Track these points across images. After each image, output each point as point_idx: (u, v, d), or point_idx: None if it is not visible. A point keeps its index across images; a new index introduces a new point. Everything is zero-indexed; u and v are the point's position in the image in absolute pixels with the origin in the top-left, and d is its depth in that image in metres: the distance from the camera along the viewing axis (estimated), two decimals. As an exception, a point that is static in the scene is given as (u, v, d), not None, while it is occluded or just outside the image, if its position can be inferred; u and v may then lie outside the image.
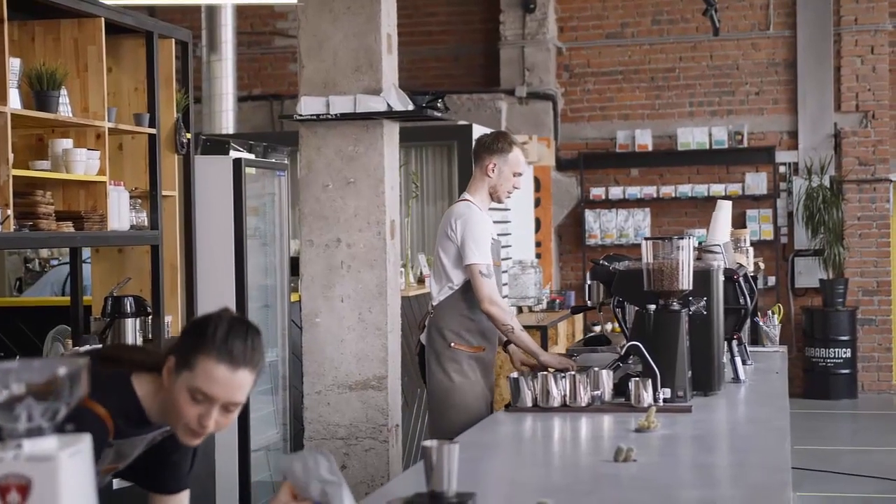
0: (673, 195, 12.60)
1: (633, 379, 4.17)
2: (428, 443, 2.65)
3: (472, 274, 4.99)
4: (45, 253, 9.30)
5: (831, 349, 12.07)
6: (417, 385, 7.60)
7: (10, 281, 9.33)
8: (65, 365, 1.84)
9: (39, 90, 4.90)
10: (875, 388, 12.44)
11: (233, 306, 6.30)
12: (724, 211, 5.62)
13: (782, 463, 3.17)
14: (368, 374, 5.48)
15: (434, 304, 5.15)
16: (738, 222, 12.16)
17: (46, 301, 7.13)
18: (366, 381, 5.49)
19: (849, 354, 12.09)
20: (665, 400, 4.18)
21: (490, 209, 5.20)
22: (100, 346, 5.47)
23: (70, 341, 5.41)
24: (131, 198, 5.59)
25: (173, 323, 5.98)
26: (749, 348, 5.75)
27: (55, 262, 8.96)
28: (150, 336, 5.67)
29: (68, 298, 5.87)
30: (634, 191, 12.71)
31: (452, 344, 5.05)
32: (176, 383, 2.56)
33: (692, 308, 4.42)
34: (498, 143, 5.17)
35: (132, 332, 5.54)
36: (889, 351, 12.50)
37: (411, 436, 7.35)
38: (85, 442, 1.82)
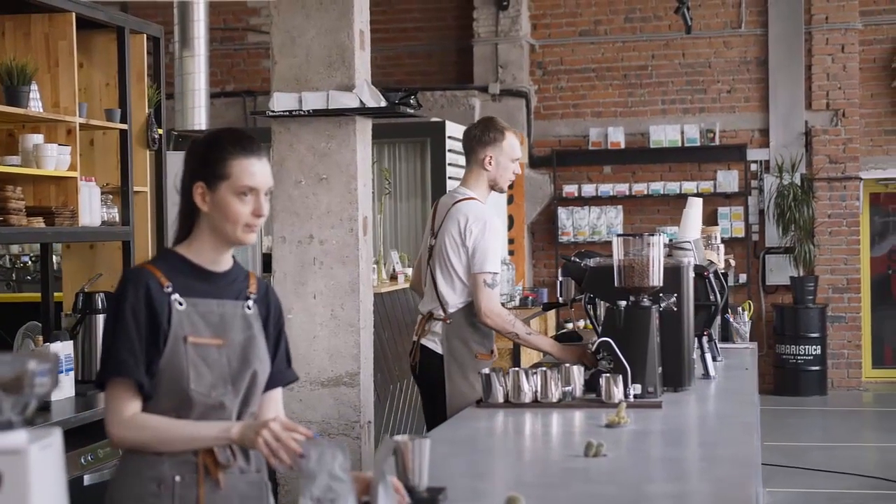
0: (645, 192, 12.65)
1: (603, 375, 4.19)
2: (400, 438, 2.67)
3: (476, 282, 4.80)
4: (15, 249, 9.25)
5: (801, 346, 12.16)
6: (390, 381, 7.61)
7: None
8: (35, 359, 1.84)
9: (9, 85, 4.88)
10: (844, 385, 12.54)
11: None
12: (695, 208, 5.66)
13: (750, 457, 3.19)
14: (341, 370, 5.48)
15: (450, 310, 4.88)
16: (710, 220, 12.23)
17: (18, 297, 7.09)
18: (338, 378, 5.50)
19: (819, 351, 12.18)
20: (636, 396, 4.20)
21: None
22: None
23: (41, 337, 5.39)
24: (103, 193, 5.57)
25: (144, 319, 5.96)
26: (720, 345, 5.79)
27: (26, 259, 8.91)
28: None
29: (39, 294, 5.84)
30: (607, 188, 12.75)
31: (478, 355, 4.90)
32: (216, 198, 2.85)
33: (663, 304, 4.44)
34: (489, 133, 4.95)
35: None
36: (858, 348, 12.60)
37: (384, 432, 7.36)
38: (55, 436, 1.82)
